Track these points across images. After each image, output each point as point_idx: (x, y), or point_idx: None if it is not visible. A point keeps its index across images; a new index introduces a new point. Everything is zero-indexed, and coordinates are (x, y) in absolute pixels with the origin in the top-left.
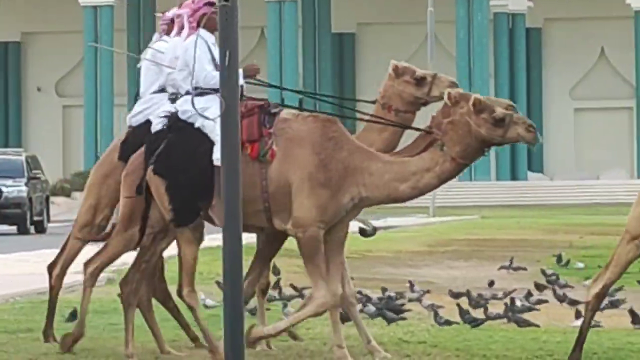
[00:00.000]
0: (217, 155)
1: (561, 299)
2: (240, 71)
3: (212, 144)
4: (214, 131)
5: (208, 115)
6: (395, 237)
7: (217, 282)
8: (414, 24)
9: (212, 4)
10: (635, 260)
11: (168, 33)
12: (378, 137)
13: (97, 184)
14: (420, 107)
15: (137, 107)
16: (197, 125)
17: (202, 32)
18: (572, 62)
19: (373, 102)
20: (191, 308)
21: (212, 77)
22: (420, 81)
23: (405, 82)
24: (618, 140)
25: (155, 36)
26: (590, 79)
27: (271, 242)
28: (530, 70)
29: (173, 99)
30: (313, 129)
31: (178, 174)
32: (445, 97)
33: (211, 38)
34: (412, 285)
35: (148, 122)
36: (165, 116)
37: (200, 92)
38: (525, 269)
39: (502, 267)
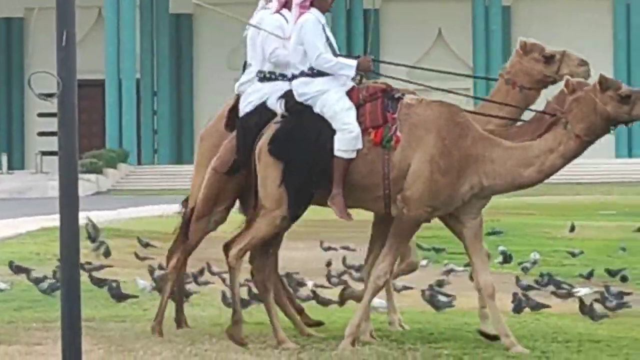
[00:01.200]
0: (338, 146)
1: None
2: (354, 63)
3: (331, 131)
4: (334, 118)
5: (327, 100)
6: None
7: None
8: (251, 4)
9: None
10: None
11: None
12: (497, 114)
13: (208, 158)
14: (548, 85)
15: (246, 77)
16: (316, 110)
17: (315, 11)
18: (410, 43)
19: (495, 79)
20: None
21: (327, 60)
22: (549, 59)
23: (534, 60)
24: None
25: (261, 3)
26: (427, 60)
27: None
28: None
29: (265, 77)
30: (439, 113)
31: (296, 158)
32: (564, 84)
33: (323, 18)
34: None
35: (262, 104)
36: (282, 96)
37: (318, 72)
38: (335, 249)
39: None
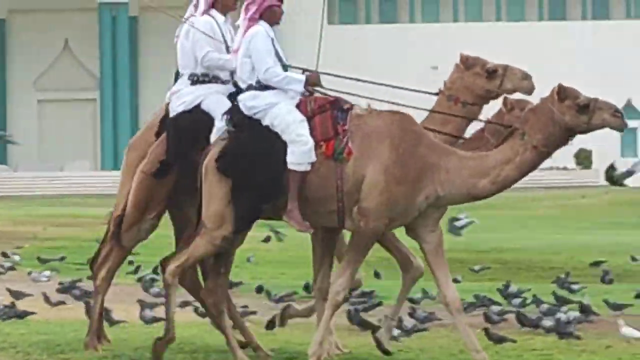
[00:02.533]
0: (291, 159)
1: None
2: (302, 78)
3: (283, 143)
4: (286, 130)
5: (278, 113)
6: None
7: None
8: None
9: None
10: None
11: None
12: (441, 130)
13: (136, 167)
14: (490, 100)
15: (180, 87)
16: (266, 123)
17: (264, 24)
18: (36, 53)
19: (436, 94)
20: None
21: (276, 74)
22: (491, 74)
23: (476, 75)
24: (82, 132)
25: (197, 8)
26: (54, 71)
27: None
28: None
29: (198, 80)
30: (391, 122)
31: (246, 173)
32: (502, 103)
33: (271, 32)
34: None
35: (197, 108)
36: (226, 112)
37: (266, 86)
38: None
39: None
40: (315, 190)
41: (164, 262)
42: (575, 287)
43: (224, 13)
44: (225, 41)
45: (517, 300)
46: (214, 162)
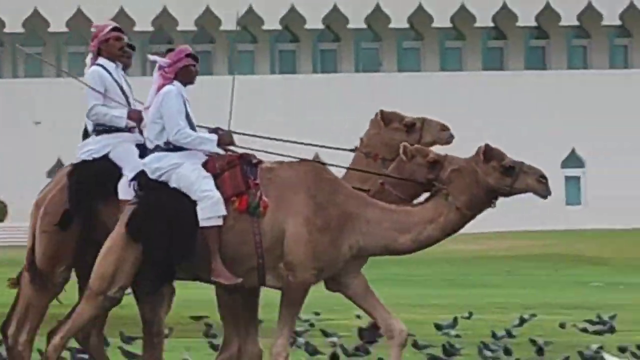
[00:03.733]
0: (201, 215)
1: None
2: (214, 137)
3: (191, 203)
4: (191, 189)
5: (183, 172)
6: None
7: None
8: None
9: (194, 58)
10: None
11: (125, 68)
12: (361, 187)
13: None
14: None
15: (90, 140)
16: (172, 184)
17: (178, 84)
18: None
19: (352, 151)
20: None
21: (187, 135)
22: (410, 127)
23: (395, 130)
24: None
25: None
26: None
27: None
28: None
29: (103, 130)
30: (304, 172)
31: (157, 236)
32: (401, 151)
33: (185, 92)
34: None
35: (104, 158)
36: (133, 178)
37: (173, 147)
38: None
39: None
40: (234, 249)
41: (50, 335)
42: None
43: (112, 60)
44: (121, 86)
45: None
46: (124, 227)
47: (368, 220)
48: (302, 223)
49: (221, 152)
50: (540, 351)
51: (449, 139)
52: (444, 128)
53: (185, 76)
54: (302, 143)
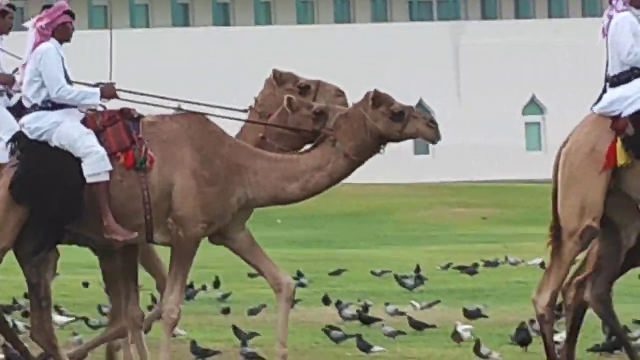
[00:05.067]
0: (87, 171)
1: None
2: (97, 90)
3: (75, 160)
4: (74, 146)
5: (64, 130)
6: None
7: None
8: None
9: (70, 14)
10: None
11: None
12: (271, 146)
13: None
14: None
15: None
16: (54, 143)
17: (54, 42)
18: None
19: (245, 111)
20: None
21: (69, 91)
22: (304, 89)
23: (288, 91)
24: None
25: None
26: None
27: (131, 257)
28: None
29: None
30: (188, 125)
31: (42, 197)
32: (285, 103)
33: (62, 49)
34: None
35: None
36: (11, 139)
37: (52, 105)
38: None
39: None
40: (121, 206)
41: None
42: None
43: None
44: None
45: None
46: (8, 190)
47: (256, 171)
48: (190, 176)
49: (104, 105)
50: None
51: (343, 104)
52: (339, 93)
53: (62, 33)
54: (192, 102)
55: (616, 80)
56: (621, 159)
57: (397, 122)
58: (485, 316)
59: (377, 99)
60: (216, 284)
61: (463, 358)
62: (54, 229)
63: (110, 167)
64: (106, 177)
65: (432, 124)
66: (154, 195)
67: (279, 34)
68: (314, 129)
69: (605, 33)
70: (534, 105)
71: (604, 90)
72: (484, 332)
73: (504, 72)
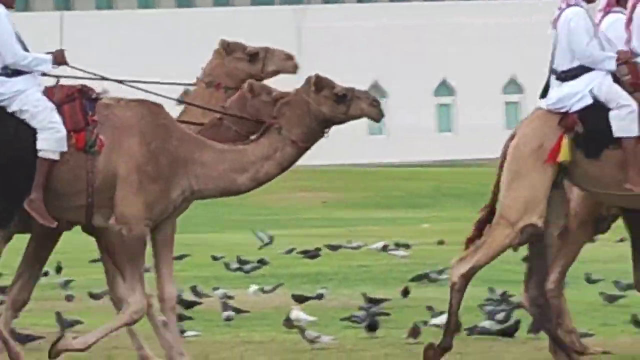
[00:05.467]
0: (43, 145)
1: None
2: (49, 57)
3: (32, 131)
4: (37, 117)
5: (27, 99)
6: None
7: None
8: None
9: None
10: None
11: None
12: (203, 121)
13: None
14: None
15: None
16: (12, 109)
17: (2, 7)
18: None
19: (194, 84)
20: None
21: (24, 57)
22: (253, 57)
23: (237, 59)
24: None
25: None
26: None
27: (46, 244)
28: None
29: None
30: (141, 115)
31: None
32: (247, 88)
33: (9, 15)
34: None
35: None
36: None
37: (11, 72)
38: None
39: None
40: (65, 184)
41: None
42: None
43: None
44: None
45: None
46: None
47: (203, 163)
48: (134, 169)
49: (55, 72)
50: None
51: (293, 68)
52: (289, 57)
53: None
54: (140, 81)
55: (564, 77)
56: (564, 156)
57: (341, 104)
58: (317, 298)
59: (319, 83)
60: (58, 270)
61: (292, 342)
62: (11, 202)
63: (65, 149)
64: (56, 157)
65: (375, 102)
66: (98, 180)
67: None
68: (273, 116)
69: (554, 25)
70: (379, 89)
71: (548, 84)
72: (326, 316)
73: (347, 55)
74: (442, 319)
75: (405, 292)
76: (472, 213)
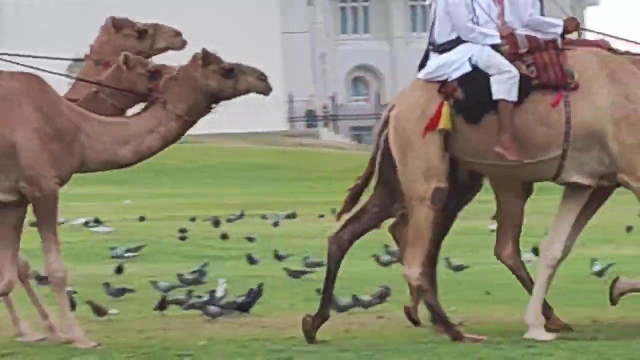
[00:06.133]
0: None
1: None
2: None
3: None
4: None
5: None
6: None
7: None
8: None
9: None
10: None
11: None
12: (105, 102)
13: None
14: None
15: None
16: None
17: None
18: None
19: (81, 60)
20: None
21: None
22: (142, 34)
23: (126, 36)
24: None
25: None
26: None
27: None
28: None
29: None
30: (27, 83)
31: None
32: (122, 60)
33: None
34: None
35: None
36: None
37: None
38: None
39: None
40: None
41: None
42: None
43: None
44: None
45: None
46: None
47: (88, 135)
48: (34, 134)
49: None
50: None
51: (182, 45)
52: (177, 34)
53: None
54: (22, 56)
55: (442, 49)
56: (445, 123)
57: (229, 79)
58: None
59: (207, 59)
60: None
61: None
62: None
63: None
64: None
65: (262, 77)
66: None
67: None
68: (149, 88)
69: None
70: None
71: (427, 56)
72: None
73: None
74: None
75: (120, 270)
76: (173, 189)
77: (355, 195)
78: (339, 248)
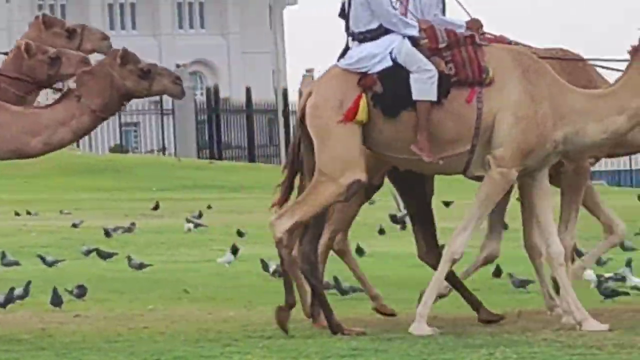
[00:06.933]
0: None
1: None
2: None
3: None
4: None
5: None
6: None
7: None
8: None
9: None
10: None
11: None
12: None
13: None
14: None
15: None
16: None
17: None
18: None
19: (5, 53)
20: None
21: None
22: (71, 33)
23: (55, 35)
24: None
25: None
26: None
27: None
28: None
29: None
30: None
31: None
32: (23, 47)
33: None
34: None
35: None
36: None
37: None
38: None
39: None
40: None
41: None
42: None
43: None
44: None
45: None
46: None
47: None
48: None
49: None
50: None
51: (108, 48)
52: (104, 37)
53: None
54: None
55: (362, 38)
56: (362, 115)
57: (144, 79)
58: None
59: (125, 57)
60: None
61: None
62: None
63: None
64: None
65: (177, 80)
66: None
67: None
68: (49, 75)
69: None
70: None
71: (347, 46)
72: None
73: None
74: None
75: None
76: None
77: (288, 186)
78: (308, 262)
